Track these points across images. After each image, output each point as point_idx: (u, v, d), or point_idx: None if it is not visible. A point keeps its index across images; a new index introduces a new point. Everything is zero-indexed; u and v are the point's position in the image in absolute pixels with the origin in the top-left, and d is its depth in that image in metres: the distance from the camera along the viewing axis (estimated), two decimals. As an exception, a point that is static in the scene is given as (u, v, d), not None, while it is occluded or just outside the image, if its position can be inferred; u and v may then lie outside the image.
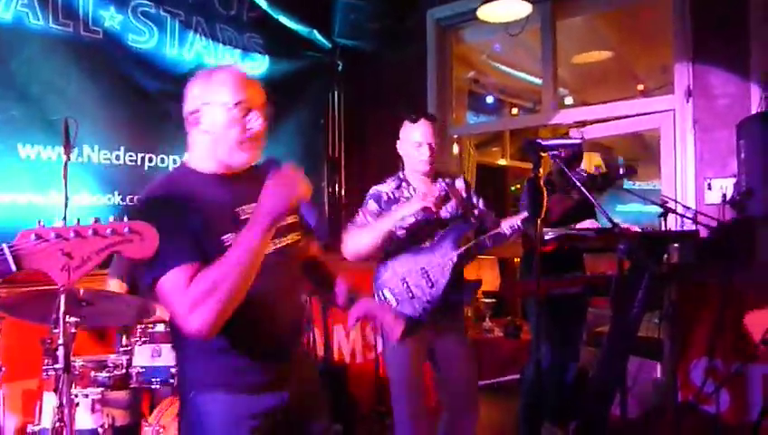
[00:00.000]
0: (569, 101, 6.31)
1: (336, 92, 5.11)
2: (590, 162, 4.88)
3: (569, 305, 3.42)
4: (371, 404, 4.03)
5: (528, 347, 4.30)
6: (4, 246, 0.89)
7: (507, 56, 6.14)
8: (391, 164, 5.00)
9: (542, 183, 2.21)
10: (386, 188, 2.75)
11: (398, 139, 2.79)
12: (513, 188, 7.37)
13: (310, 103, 4.99)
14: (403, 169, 2.81)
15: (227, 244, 1.46)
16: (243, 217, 1.54)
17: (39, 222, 0.92)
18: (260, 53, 4.67)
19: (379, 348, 4.19)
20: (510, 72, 6.42)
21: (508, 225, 2.72)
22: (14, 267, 0.89)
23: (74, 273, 0.91)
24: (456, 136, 5.48)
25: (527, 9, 4.20)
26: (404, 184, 2.76)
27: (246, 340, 1.55)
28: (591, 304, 3.76)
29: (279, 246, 1.59)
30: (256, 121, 1.58)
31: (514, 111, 7.12)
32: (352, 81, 5.15)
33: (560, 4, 4.72)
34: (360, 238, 2.61)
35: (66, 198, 2.36)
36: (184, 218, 1.45)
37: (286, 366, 1.64)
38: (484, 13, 4.26)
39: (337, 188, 5.08)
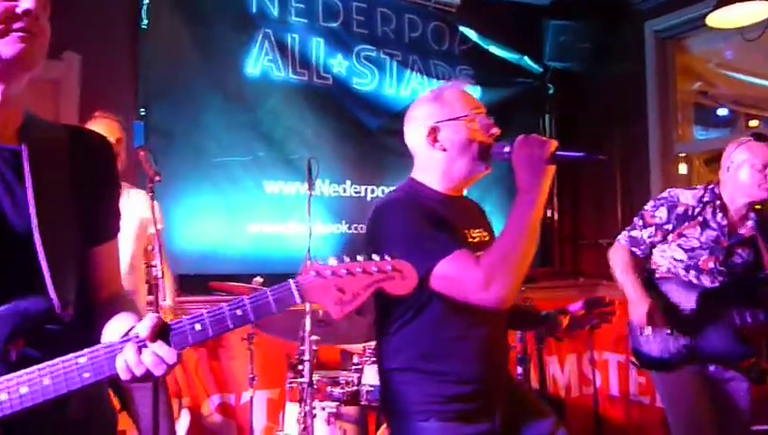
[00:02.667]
0: (824, 108, 5.42)
1: (547, 116, 5.01)
2: None
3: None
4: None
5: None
6: (291, 281, 1.04)
7: (741, 63, 5.48)
8: (605, 187, 4.79)
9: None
10: (688, 197, 2.42)
11: (730, 161, 2.43)
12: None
13: (521, 129, 4.93)
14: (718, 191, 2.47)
15: None
16: (469, 239, 1.64)
17: (326, 259, 1.05)
18: (471, 84, 4.77)
19: (598, 382, 3.95)
20: (746, 80, 5.72)
21: None
22: (298, 300, 1.04)
23: (346, 307, 1.03)
24: (682, 154, 5.03)
25: (769, 10, 3.72)
26: (717, 204, 2.41)
27: (459, 367, 1.62)
28: None
29: None
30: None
31: (753, 122, 6.32)
32: (564, 103, 5.01)
33: (811, -1, 4.12)
34: (616, 270, 2.49)
35: (310, 230, 2.65)
36: (435, 221, 1.55)
37: (497, 392, 1.68)
38: (714, 19, 3.86)
39: (549, 214, 4.95)
